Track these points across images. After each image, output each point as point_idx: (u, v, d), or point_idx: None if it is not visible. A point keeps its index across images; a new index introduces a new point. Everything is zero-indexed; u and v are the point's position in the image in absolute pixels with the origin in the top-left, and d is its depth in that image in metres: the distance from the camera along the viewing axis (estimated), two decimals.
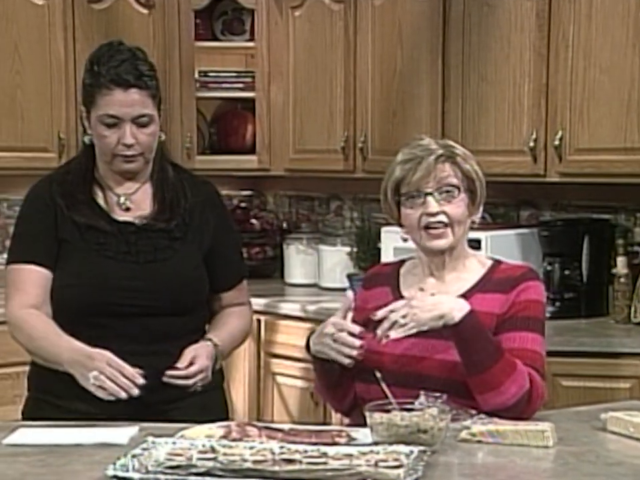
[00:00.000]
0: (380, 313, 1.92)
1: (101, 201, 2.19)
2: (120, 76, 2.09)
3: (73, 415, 2.03)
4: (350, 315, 1.97)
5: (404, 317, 1.89)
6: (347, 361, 1.94)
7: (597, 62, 3.10)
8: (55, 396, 2.13)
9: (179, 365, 2.09)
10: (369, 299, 2.11)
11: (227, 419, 2.13)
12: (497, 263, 2.11)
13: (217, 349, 2.16)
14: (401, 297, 2.05)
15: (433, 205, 2.00)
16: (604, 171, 3.13)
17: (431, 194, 2.00)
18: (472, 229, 2.10)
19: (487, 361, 1.88)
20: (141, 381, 1.99)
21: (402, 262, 2.17)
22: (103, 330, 2.10)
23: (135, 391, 1.99)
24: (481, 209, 2.09)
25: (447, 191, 2.01)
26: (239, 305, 2.30)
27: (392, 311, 1.91)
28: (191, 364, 2.09)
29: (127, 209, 2.19)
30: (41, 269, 2.15)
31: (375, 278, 2.16)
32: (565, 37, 3.15)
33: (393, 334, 1.91)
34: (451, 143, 2.09)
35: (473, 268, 2.08)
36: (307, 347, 2.03)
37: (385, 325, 1.91)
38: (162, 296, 2.13)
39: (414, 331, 1.90)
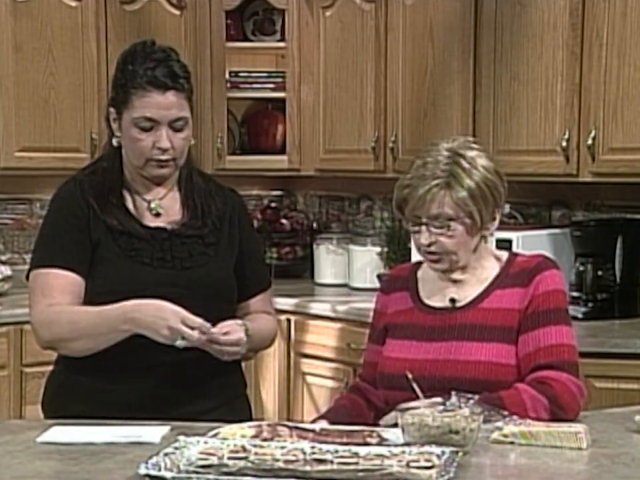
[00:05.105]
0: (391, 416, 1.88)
1: (130, 206, 2.13)
2: (157, 78, 2.03)
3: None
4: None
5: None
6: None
7: (631, 60, 3.06)
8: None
9: (213, 330, 1.96)
10: (389, 304, 2.12)
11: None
12: (512, 256, 2.10)
13: (247, 334, 2.05)
14: (422, 303, 2.06)
15: (425, 236, 1.99)
16: (638, 171, 3.10)
17: (425, 224, 1.99)
18: (485, 237, 2.05)
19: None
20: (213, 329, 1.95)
21: (419, 264, 2.15)
22: (136, 338, 1.99)
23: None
24: (496, 222, 2.03)
25: (440, 224, 1.98)
26: (265, 313, 2.25)
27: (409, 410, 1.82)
28: (225, 334, 1.99)
29: (157, 215, 2.13)
30: (70, 273, 2.05)
31: (394, 282, 2.15)
32: (598, 36, 3.12)
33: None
34: (461, 151, 1.99)
35: (491, 266, 2.07)
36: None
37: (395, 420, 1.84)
38: (198, 303, 2.03)
39: None
